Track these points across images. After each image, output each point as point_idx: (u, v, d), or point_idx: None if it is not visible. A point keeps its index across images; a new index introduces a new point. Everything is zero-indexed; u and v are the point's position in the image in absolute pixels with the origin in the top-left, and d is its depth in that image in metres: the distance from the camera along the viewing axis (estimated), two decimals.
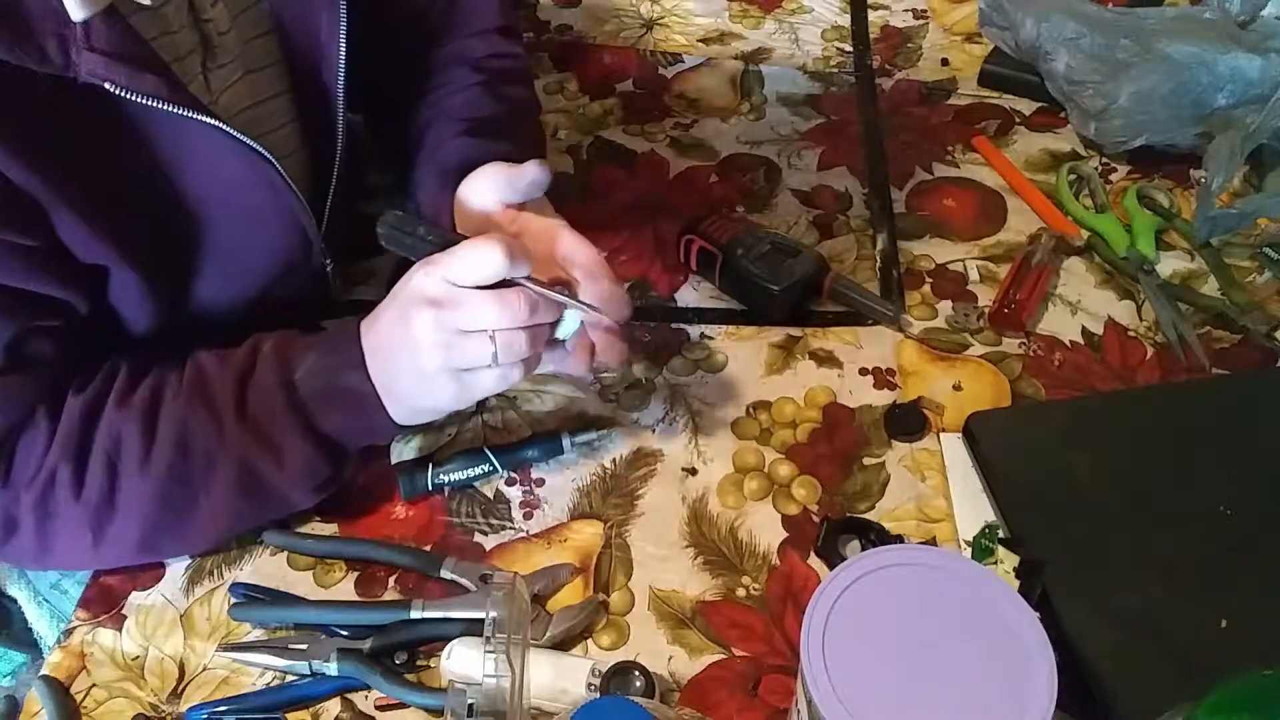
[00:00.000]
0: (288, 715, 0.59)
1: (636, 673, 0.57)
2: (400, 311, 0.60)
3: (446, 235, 0.61)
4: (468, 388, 0.60)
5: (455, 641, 0.60)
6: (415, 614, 0.62)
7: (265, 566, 0.66)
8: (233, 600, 0.64)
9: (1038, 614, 0.48)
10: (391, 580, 0.65)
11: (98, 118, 0.57)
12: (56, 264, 0.58)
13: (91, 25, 0.53)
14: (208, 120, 0.59)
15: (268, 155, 0.63)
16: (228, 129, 0.60)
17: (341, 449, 0.64)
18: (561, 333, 0.62)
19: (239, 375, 0.62)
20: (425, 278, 0.59)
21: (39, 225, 0.57)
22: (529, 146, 0.73)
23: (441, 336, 0.58)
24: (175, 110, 0.57)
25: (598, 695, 0.56)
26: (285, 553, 0.67)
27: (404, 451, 0.72)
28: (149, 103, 0.56)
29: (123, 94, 0.55)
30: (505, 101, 0.79)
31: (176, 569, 0.66)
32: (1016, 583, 0.62)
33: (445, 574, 0.64)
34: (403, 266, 0.83)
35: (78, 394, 0.61)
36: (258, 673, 0.61)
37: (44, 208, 0.56)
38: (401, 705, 0.60)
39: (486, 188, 0.66)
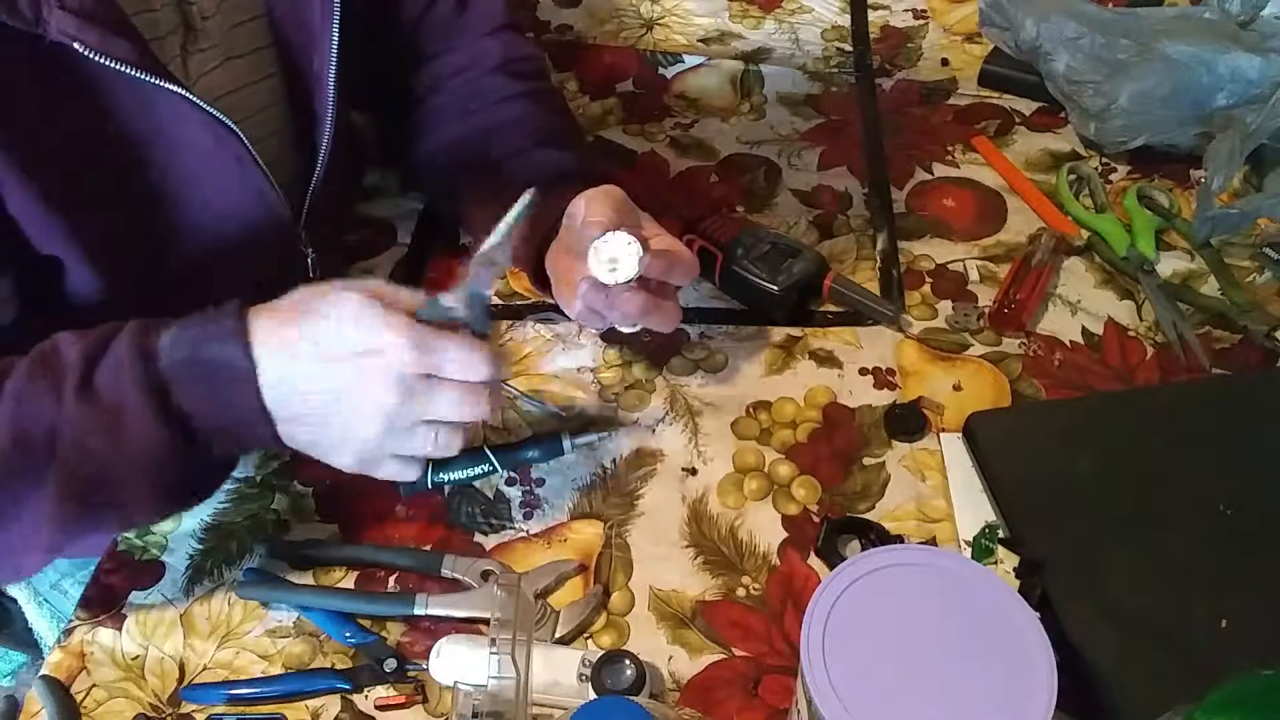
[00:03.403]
0: (287, 716, 0.59)
1: (627, 660, 0.56)
2: (356, 366, 0.54)
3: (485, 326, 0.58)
4: (373, 463, 0.58)
5: (443, 640, 0.60)
6: (419, 610, 0.62)
7: (266, 567, 0.66)
8: (242, 579, 0.65)
9: (1038, 614, 0.48)
10: (392, 580, 0.65)
11: (59, 84, 0.56)
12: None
13: None
14: (175, 89, 0.58)
15: (234, 127, 0.62)
16: (194, 99, 0.59)
17: (194, 437, 0.54)
18: (622, 275, 0.62)
19: (90, 350, 0.54)
20: (414, 356, 0.54)
21: None
22: (593, 153, 0.76)
23: (397, 423, 0.55)
24: (143, 77, 0.57)
25: (589, 685, 0.56)
26: None
27: None
28: (119, 67, 0.55)
29: (93, 56, 0.54)
30: (561, 112, 0.81)
31: (177, 569, 0.66)
32: (1016, 583, 0.62)
33: (446, 571, 0.64)
34: (402, 267, 0.84)
35: None
36: (258, 672, 0.61)
37: None
38: (402, 705, 0.60)
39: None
